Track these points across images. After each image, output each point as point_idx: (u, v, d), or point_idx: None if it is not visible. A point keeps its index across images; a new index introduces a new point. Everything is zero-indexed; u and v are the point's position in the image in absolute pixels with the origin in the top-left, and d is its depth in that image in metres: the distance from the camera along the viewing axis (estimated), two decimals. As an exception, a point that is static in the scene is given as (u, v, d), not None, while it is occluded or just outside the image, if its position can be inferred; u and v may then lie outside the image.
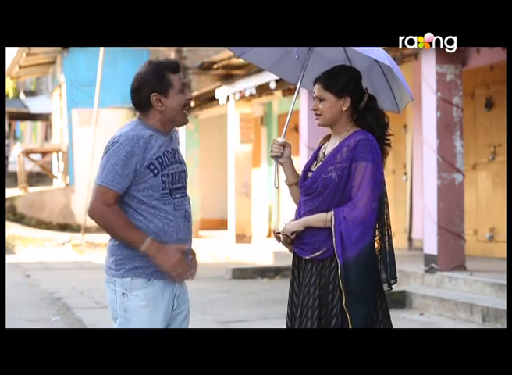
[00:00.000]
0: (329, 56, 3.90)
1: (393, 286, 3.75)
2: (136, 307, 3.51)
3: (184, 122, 3.65)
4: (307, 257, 3.70)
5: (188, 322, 3.69)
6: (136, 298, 3.51)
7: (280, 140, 3.83)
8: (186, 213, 3.60)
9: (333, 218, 3.60)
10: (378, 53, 3.67)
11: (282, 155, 3.82)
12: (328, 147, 3.78)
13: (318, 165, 3.74)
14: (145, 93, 3.53)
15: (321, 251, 3.66)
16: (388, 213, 3.71)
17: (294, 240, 3.73)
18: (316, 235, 3.67)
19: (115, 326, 3.57)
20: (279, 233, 3.77)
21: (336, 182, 3.64)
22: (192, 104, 3.78)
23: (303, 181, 3.77)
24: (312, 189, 3.70)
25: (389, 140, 3.74)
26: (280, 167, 3.85)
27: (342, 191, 3.64)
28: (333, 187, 3.64)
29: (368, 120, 3.70)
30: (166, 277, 3.53)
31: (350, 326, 3.56)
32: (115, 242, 3.55)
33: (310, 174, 3.76)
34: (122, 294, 3.52)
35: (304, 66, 3.91)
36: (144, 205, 3.51)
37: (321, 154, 3.79)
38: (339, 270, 3.58)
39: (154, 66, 3.55)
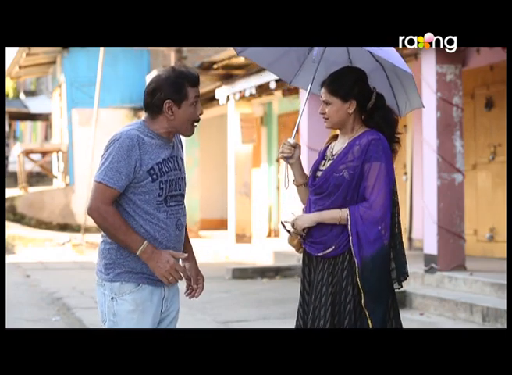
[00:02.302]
0: (332, 58, 3.90)
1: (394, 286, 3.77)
2: (124, 312, 3.51)
3: (189, 134, 3.66)
4: (320, 253, 3.70)
5: (176, 323, 3.69)
6: (125, 302, 3.50)
7: (291, 141, 3.83)
8: (179, 222, 3.58)
9: (349, 217, 3.61)
10: (397, 58, 3.66)
11: (292, 156, 3.83)
12: (336, 146, 3.78)
13: (328, 164, 3.74)
14: (159, 97, 3.51)
15: (333, 247, 3.67)
16: (398, 212, 3.72)
17: (305, 237, 3.73)
18: (327, 234, 3.69)
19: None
20: (285, 222, 3.76)
21: (348, 181, 3.64)
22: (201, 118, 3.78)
23: (313, 180, 3.77)
24: (323, 188, 3.70)
25: (398, 138, 3.75)
26: (289, 168, 3.86)
27: (353, 189, 3.64)
28: (345, 186, 3.65)
29: (377, 120, 3.70)
30: (155, 282, 3.52)
31: (370, 325, 3.59)
32: (106, 246, 3.54)
33: (319, 173, 3.76)
34: (112, 298, 3.51)
35: (315, 69, 3.89)
36: (138, 209, 3.50)
37: (328, 153, 3.80)
38: (357, 269, 3.60)
39: (177, 74, 3.53)
